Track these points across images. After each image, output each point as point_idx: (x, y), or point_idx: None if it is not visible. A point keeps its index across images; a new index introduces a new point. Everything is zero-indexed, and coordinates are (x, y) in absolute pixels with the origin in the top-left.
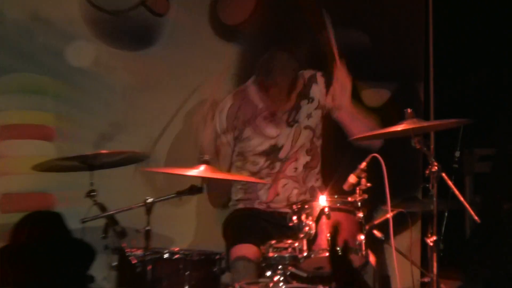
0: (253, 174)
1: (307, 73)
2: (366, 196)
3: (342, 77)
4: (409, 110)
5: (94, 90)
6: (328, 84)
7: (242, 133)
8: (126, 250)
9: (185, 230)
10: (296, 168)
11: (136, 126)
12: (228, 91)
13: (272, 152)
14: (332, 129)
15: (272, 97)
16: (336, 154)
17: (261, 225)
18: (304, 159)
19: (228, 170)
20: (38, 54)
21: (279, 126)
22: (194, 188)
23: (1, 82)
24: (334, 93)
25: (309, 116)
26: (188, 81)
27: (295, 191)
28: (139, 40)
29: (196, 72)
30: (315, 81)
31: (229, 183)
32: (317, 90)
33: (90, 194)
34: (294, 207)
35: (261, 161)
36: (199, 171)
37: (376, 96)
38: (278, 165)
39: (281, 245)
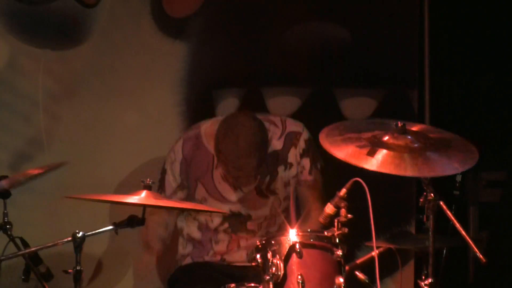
0: (206, 229)
1: (290, 126)
2: (346, 230)
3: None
4: (399, 124)
5: (7, 100)
6: (308, 150)
7: (194, 193)
8: None
9: (124, 271)
10: (261, 224)
11: (62, 143)
12: (175, 104)
13: (233, 218)
14: None
15: (237, 181)
16: None
17: (215, 276)
18: (278, 223)
19: None
20: None
21: (244, 190)
22: (134, 219)
23: None
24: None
25: (286, 184)
26: (125, 87)
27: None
28: (65, 37)
29: (136, 75)
30: (295, 145)
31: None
32: (294, 155)
33: (4, 228)
34: (258, 243)
35: (219, 222)
36: (140, 198)
37: (359, 106)
38: (242, 235)
39: None
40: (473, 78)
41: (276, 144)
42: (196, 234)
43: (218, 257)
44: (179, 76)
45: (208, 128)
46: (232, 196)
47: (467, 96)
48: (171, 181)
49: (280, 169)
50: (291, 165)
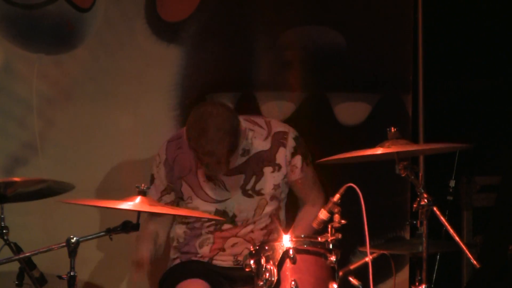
0: (192, 230)
1: (275, 126)
2: (340, 235)
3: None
4: (393, 129)
5: (1, 104)
6: (298, 148)
7: (183, 194)
8: None
9: (119, 277)
10: (252, 231)
11: (56, 147)
12: (170, 108)
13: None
14: None
15: (208, 167)
16: None
17: (205, 271)
18: (264, 222)
19: None
20: None
21: (228, 187)
22: (129, 224)
23: None
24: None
25: (276, 187)
26: (119, 91)
27: (246, 251)
28: (59, 41)
29: (130, 79)
30: (284, 145)
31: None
32: (283, 155)
33: (0, 232)
34: (252, 248)
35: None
36: (134, 204)
37: (353, 111)
38: (228, 226)
39: None
40: (467, 82)
41: (262, 144)
42: (183, 237)
43: (206, 259)
44: (174, 80)
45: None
46: (218, 195)
47: (461, 100)
48: (159, 185)
49: (267, 170)
50: (279, 166)
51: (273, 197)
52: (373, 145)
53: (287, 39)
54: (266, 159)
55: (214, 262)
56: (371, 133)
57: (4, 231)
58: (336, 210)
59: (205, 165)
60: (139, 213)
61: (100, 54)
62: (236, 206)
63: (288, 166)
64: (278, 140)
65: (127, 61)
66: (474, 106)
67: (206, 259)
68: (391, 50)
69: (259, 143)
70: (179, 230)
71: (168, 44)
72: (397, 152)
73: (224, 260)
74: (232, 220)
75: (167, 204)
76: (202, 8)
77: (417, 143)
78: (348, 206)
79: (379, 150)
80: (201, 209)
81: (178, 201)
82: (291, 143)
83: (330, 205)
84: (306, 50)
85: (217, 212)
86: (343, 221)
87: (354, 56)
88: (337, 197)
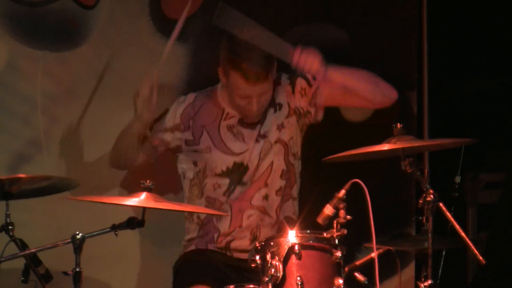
0: (211, 202)
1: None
2: (345, 231)
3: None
4: (398, 126)
5: (6, 101)
6: (293, 82)
7: (198, 141)
8: None
9: (125, 273)
10: (266, 196)
11: (59, 144)
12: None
13: (235, 173)
14: (306, 143)
15: (247, 77)
16: (311, 176)
17: (217, 265)
18: (277, 184)
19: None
20: None
21: (246, 139)
22: (134, 220)
23: None
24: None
25: (280, 127)
26: (124, 88)
27: (262, 224)
28: (63, 39)
29: (134, 77)
30: (278, 83)
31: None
32: (282, 92)
33: (6, 228)
34: (257, 244)
35: (223, 184)
36: (139, 200)
37: (359, 108)
38: (239, 190)
39: None
40: (472, 80)
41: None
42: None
43: (223, 243)
44: (178, 77)
45: (224, 88)
46: (236, 147)
47: (466, 98)
48: (169, 119)
49: (270, 112)
50: (280, 105)
51: (277, 140)
52: (378, 142)
53: (291, 37)
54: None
55: (232, 245)
56: (376, 130)
57: (9, 227)
58: (341, 206)
59: (244, 76)
60: (144, 209)
61: (105, 52)
62: (249, 155)
63: (295, 99)
64: (274, 80)
65: (131, 59)
66: (479, 104)
67: (223, 244)
68: (396, 48)
69: None
70: (199, 203)
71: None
72: (403, 148)
73: (242, 238)
74: (242, 174)
75: (164, 141)
76: (207, 5)
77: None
78: (354, 203)
79: (385, 146)
80: (219, 160)
81: (184, 147)
82: (285, 81)
83: (335, 200)
84: (311, 47)
85: (234, 165)
86: (348, 217)
87: (358, 54)
88: (342, 192)
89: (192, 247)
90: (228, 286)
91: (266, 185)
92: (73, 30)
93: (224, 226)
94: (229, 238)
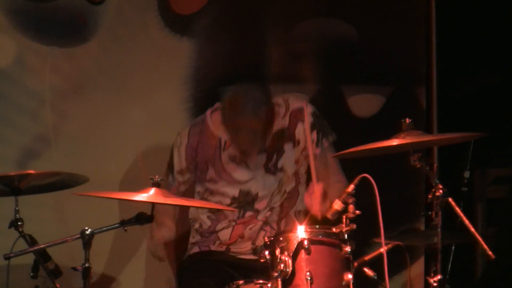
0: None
1: (293, 103)
2: (354, 226)
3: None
4: (407, 121)
5: (14, 97)
6: (315, 123)
7: (205, 174)
8: None
9: (133, 269)
10: (270, 211)
11: (69, 140)
12: (182, 100)
13: (243, 199)
14: None
15: (243, 140)
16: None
17: (221, 267)
18: (280, 201)
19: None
20: None
21: (251, 168)
22: (143, 216)
23: None
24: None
25: (297, 161)
26: (132, 84)
27: (262, 234)
28: (71, 34)
29: (143, 72)
30: (301, 119)
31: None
32: (302, 130)
33: (15, 224)
34: (266, 239)
35: (229, 203)
36: (148, 195)
37: (367, 103)
38: (248, 214)
39: (250, 285)
40: (480, 74)
41: (282, 122)
42: (206, 223)
43: (224, 247)
44: (186, 72)
45: (214, 112)
46: (241, 176)
47: (475, 92)
48: (176, 164)
49: (288, 146)
50: (299, 141)
51: (294, 173)
52: (387, 137)
53: (300, 32)
54: (287, 135)
55: (232, 249)
56: (385, 125)
57: (19, 223)
58: (350, 200)
59: (240, 137)
60: (153, 204)
61: (113, 47)
62: (259, 185)
63: (306, 141)
64: (296, 116)
65: (139, 54)
66: (487, 98)
67: (223, 248)
68: (404, 42)
69: (280, 121)
70: (203, 216)
71: (180, 37)
72: (412, 143)
73: (242, 247)
74: (252, 202)
75: (181, 183)
76: (214, 1)
77: None
78: (363, 198)
79: (394, 142)
80: (224, 191)
81: (195, 183)
82: (308, 118)
83: (344, 195)
84: (319, 43)
85: (241, 193)
86: (357, 211)
87: (367, 49)
88: (351, 187)
89: (195, 249)
90: (237, 282)
91: (272, 204)
92: (81, 26)
93: (225, 236)
94: (230, 246)
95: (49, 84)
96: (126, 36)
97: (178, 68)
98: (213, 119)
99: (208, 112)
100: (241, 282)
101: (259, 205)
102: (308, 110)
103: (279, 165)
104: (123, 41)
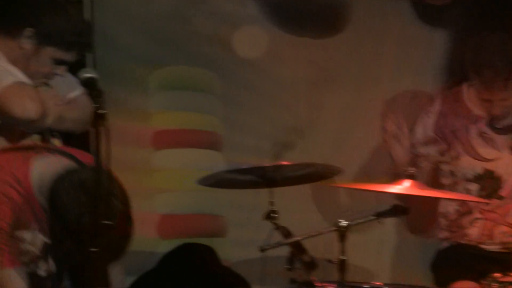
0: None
1: None
2: None
3: None
4: None
5: (266, 89)
6: None
7: (450, 148)
8: (316, 285)
9: (381, 261)
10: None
11: (320, 131)
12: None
13: (486, 180)
14: None
15: (486, 82)
16: None
17: (477, 260)
18: None
19: None
20: (195, 43)
21: (498, 147)
22: (398, 208)
23: (153, 77)
24: None
25: None
26: (381, 75)
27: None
28: (325, 25)
29: (392, 63)
30: None
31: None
32: None
33: (270, 216)
34: None
35: (473, 190)
36: (403, 187)
37: None
38: (495, 202)
39: (509, 279)
40: None
41: None
42: (454, 216)
43: (473, 242)
44: (437, 63)
45: (470, 88)
46: (486, 153)
47: None
48: (419, 132)
49: None
50: None
51: None
52: None
53: None
54: None
55: (484, 247)
56: None
57: (273, 215)
58: None
59: (483, 79)
60: (408, 197)
61: (365, 37)
62: (503, 165)
63: None
64: None
65: (391, 44)
66: None
67: (473, 243)
68: None
69: None
70: (450, 207)
71: (432, 28)
72: None
73: (490, 245)
74: (496, 187)
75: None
76: None
77: None
78: None
79: None
80: (468, 167)
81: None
82: None
83: None
84: None
85: (485, 173)
86: None
87: None
88: None
89: (445, 244)
90: (495, 274)
91: None
92: (333, 17)
93: (473, 232)
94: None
95: (302, 75)
96: (378, 27)
97: (429, 58)
98: (468, 93)
99: (464, 85)
100: (498, 275)
101: (504, 191)
102: None
103: None
104: (375, 32)
